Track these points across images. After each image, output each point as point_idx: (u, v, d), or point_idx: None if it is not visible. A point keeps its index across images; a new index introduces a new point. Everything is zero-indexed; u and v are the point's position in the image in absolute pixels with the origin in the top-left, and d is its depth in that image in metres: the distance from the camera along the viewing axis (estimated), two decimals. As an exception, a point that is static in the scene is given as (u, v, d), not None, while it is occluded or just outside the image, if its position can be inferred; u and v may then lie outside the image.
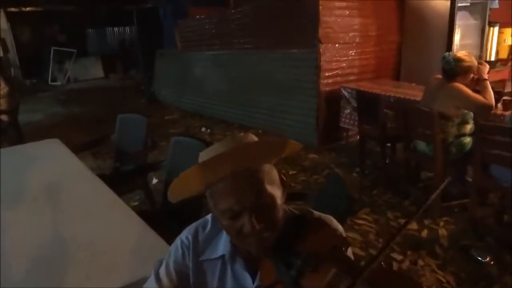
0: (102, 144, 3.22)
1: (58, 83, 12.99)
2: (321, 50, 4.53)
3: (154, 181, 3.66)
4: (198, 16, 7.21)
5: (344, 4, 4.66)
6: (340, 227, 0.96)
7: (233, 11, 6.42)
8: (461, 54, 2.86)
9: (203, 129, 6.06)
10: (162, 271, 1.00)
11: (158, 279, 0.99)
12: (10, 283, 1.21)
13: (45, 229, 1.55)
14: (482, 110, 2.78)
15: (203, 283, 0.97)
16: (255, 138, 0.88)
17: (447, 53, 2.94)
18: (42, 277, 1.25)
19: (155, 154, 4.23)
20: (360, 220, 2.91)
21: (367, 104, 3.76)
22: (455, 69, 2.81)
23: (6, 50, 12.26)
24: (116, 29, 15.94)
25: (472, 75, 2.87)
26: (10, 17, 12.08)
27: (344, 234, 0.93)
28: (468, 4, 4.65)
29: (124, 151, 2.88)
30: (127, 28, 15.55)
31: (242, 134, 0.87)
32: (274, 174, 0.87)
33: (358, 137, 4.14)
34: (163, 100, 8.31)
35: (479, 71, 2.86)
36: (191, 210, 2.01)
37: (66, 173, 2.22)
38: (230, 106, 6.30)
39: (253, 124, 5.76)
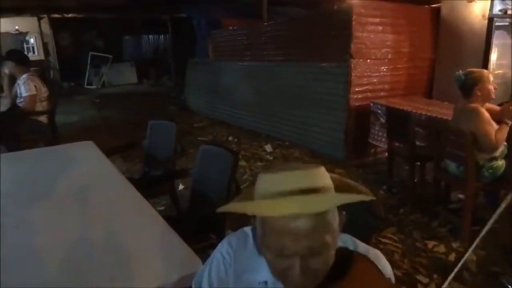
0: (133, 148, 3.30)
1: (94, 86, 13.45)
2: (352, 65, 4.51)
3: (181, 187, 3.72)
4: (231, 27, 7.34)
5: (377, 20, 4.64)
6: (388, 268, 0.89)
7: (265, 23, 6.52)
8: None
9: (231, 138, 6.12)
10: (206, 285, 0.98)
11: None
12: (37, 282, 1.25)
13: (74, 229, 1.59)
14: (486, 146, 2.67)
15: None
16: (326, 175, 0.80)
17: (457, 72, 2.85)
18: (68, 276, 1.29)
19: (184, 161, 4.30)
20: (386, 239, 2.85)
21: (397, 121, 3.71)
22: (466, 82, 2.74)
23: (47, 53, 12.83)
24: (151, 37, 16.44)
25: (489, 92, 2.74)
26: (53, 23, 12.66)
27: (392, 277, 0.87)
28: (507, 24, 4.54)
29: (154, 156, 2.94)
30: (162, 37, 16.00)
31: (315, 168, 0.79)
32: (337, 221, 0.80)
33: (387, 154, 4.08)
34: (193, 107, 8.46)
35: (502, 113, 2.73)
36: (216, 218, 2.04)
37: (98, 175, 2.29)
38: (258, 117, 6.35)
39: (281, 136, 5.77)
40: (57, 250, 1.44)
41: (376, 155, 4.63)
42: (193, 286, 1.00)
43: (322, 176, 0.79)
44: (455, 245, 2.73)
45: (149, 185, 2.67)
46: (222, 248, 0.98)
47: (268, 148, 5.40)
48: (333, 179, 0.83)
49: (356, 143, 4.68)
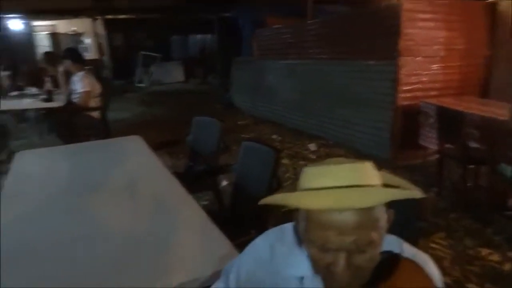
0: (178, 144, 3.39)
1: (143, 85, 13.96)
2: (400, 63, 4.35)
3: (224, 183, 3.76)
4: (275, 26, 7.33)
5: (428, 16, 4.44)
6: (437, 274, 0.83)
7: (310, 21, 6.44)
8: None
9: (275, 136, 6.12)
10: (233, 277, 0.97)
11: (227, 284, 0.97)
12: (84, 265, 1.31)
13: (119, 217, 1.66)
14: None
15: None
16: (374, 170, 0.78)
17: None
18: (112, 261, 1.34)
19: (227, 157, 4.35)
20: (434, 244, 2.73)
21: (449, 121, 3.53)
22: None
23: (102, 53, 13.47)
24: (197, 36, 16.78)
25: None
26: (107, 24, 13.27)
27: (441, 284, 0.82)
28: None
29: (198, 152, 3.00)
30: (208, 36, 16.29)
31: (362, 163, 0.76)
32: (384, 218, 0.76)
33: (437, 156, 3.90)
34: (238, 105, 8.54)
35: None
36: (257, 214, 2.04)
37: (143, 167, 2.37)
38: (302, 115, 6.29)
39: (324, 135, 5.69)
40: (102, 237, 1.50)
41: (425, 157, 4.43)
42: (222, 274, 1.01)
43: (370, 171, 0.77)
44: (510, 254, 2.56)
45: (193, 179, 2.72)
46: (258, 243, 0.96)
47: (312, 147, 5.34)
48: (381, 176, 0.80)
49: (404, 144, 4.51)
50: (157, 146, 2.97)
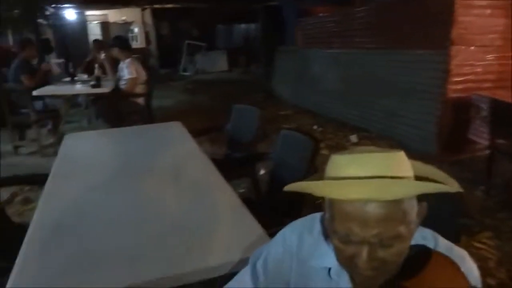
0: (218, 131, 3.43)
1: (188, 73, 14.23)
2: (452, 53, 4.12)
3: (262, 171, 3.77)
4: (320, 14, 7.19)
5: (485, 2, 4.16)
6: (474, 272, 0.78)
7: (356, 9, 6.24)
8: None
9: (315, 127, 6.03)
10: (260, 265, 0.96)
11: (254, 272, 0.97)
12: (124, 243, 1.36)
13: (159, 202, 1.70)
14: None
15: None
16: (406, 160, 0.73)
17: None
18: (149, 242, 1.38)
19: (266, 146, 4.35)
20: (479, 244, 2.59)
21: (503, 115, 3.32)
22: None
23: (148, 42, 13.87)
24: (242, 25, 16.81)
25: None
26: (154, 13, 13.62)
27: (479, 284, 0.77)
28: None
29: (236, 139, 3.02)
30: (252, 25, 16.26)
31: (393, 152, 0.72)
32: (415, 211, 0.72)
33: (487, 151, 3.68)
34: (279, 95, 8.50)
35: None
36: (294, 204, 2.03)
37: (183, 152, 2.42)
38: (345, 106, 6.15)
39: (367, 126, 5.54)
40: (141, 217, 1.55)
41: (474, 152, 4.20)
42: (250, 259, 1.00)
43: (400, 161, 0.72)
44: None
45: (231, 167, 2.74)
46: (287, 234, 0.95)
47: (354, 138, 5.22)
48: (415, 167, 0.76)
49: (451, 138, 4.29)
50: (197, 133, 3.02)
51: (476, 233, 2.67)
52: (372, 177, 0.68)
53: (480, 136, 4.03)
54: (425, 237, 0.81)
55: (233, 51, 15.50)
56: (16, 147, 4.78)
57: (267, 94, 8.77)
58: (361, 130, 5.52)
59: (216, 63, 14.97)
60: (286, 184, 2.22)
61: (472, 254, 0.81)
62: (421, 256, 0.73)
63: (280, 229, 0.99)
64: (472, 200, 3.20)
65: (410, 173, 0.73)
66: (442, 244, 0.80)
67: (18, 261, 1.25)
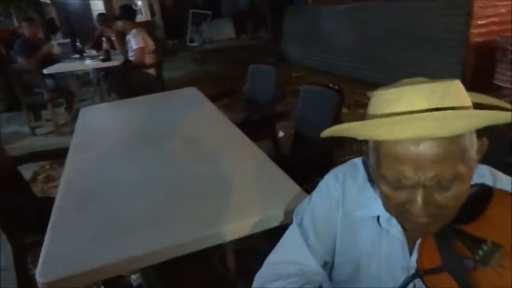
0: (234, 94, 3.34)
1: (195, 44, 13.97)
2: (475, -7, 3.89)
3: (280, 134, 3.69)
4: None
5: None
6: None
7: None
8: None
9: (331, 85, 5.86)
10: (307, 220, 0.87)
11: (303, 232, 0.87)
12: (150, 205, 1.32)
13: (186, 164, 1.65)
14: None
15: (352, 243, 0.83)
16: (463, 90, 0.64)
17: None
18: (177, 202, 1.34)
19: (283, 107, 4.25)
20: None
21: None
22: None
23: (153, 14, 13.58)
24: (247, -12, 16.27)
25: None
26: (156, -17, 13.27)
27: None
28: None
29: (255, 100, 2.93)
30: (257, -13, 15.74)
31: (447, 82, 0.62)
32: (475, 147, 0.62)
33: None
34: (291, 57, 8.27)
35: None
36: (320, 159, 1.95)
37: (203, 115, 2.38)
38: (361, 63, 5.93)
39: (387, 82, 5.28)
40: (168, 181, 1.50)
41: (501, 98, 4.03)
42: (294, 218, 0.92)
43: (457, 91, 0.62)
44: None
45: (251, 129, 2.66)
46: (329, 182, 0.87)
47: (372, 94, 5.06)
48: (472, 96, 0.66)
49: (478, 86, 4.07)
50: (213, 97, 2.94)
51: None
52: (425, 110, 0.59)
53: (506, 80, 3.85)
54: (482, 174, 0.73)
55: (239, 16, 15.07)
56: (32, 128, 4.78)
57: (278, 58, 8.54)
58: (381, 86, 5.33)
59: (222, 31, 14.63)
60: (310, 140, 2.12)
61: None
62: (481, 196, 0.65)
63: (310, 186, 0.91)
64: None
65: (468, 102, 0.64)
66: (502, 180, 0.72)
67: (48, 231, 1.21)
